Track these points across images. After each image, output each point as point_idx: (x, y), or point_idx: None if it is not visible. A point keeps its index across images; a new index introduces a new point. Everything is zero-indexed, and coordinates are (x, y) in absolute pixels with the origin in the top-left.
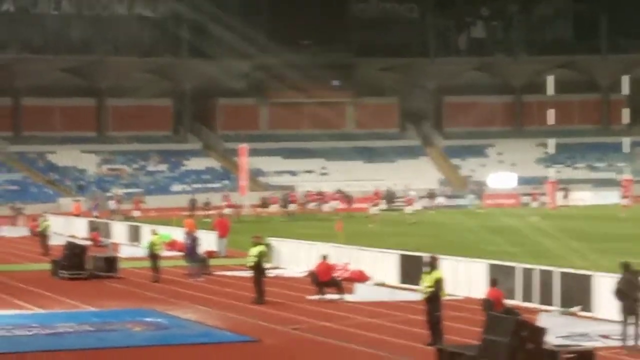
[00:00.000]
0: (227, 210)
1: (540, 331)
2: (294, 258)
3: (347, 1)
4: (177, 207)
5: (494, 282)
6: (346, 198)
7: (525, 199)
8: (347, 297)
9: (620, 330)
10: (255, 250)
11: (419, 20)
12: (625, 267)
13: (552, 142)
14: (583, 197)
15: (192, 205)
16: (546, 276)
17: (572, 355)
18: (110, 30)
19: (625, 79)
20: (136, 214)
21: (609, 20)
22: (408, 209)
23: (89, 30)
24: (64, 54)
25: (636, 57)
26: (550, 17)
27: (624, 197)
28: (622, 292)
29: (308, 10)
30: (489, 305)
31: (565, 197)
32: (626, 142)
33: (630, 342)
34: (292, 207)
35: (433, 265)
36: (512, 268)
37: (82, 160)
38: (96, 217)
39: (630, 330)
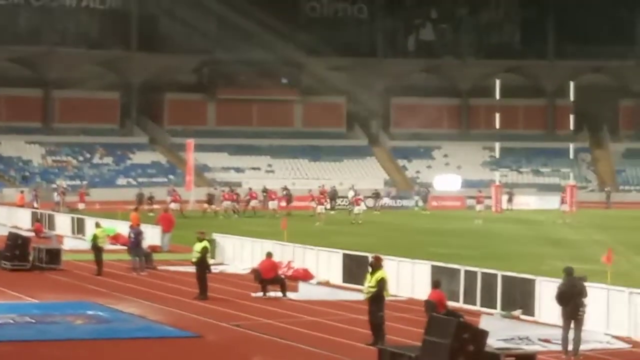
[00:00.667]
0: (173, 205)
1: (482, 334)
2: (238, 255)
3: (298, 0)
4: (122, 200)
5: (436, 284)
6: (287, 196)
7: (470, 201)
8: (291, 295)
9: (560, 334)
10: (199, 246)
11: (369, 21)
12: (568, 272)
13: (498, 146)
14: (528, 202)
15: (139, 200)
16: (489, 279)
17: (512, 359)
18: (59, 21)
19: (572, 85)
20: (81, 206)
21: (556, 25)
22: (356, 209)
23: (37, 21)
24: (11, 44)
25: (583, 63)
26: (499, 22)
27: (562, 202)
28: (564, 297)
29: (259, 7)
30: (431, 306)
31: (510, 200)
32: (571, 148)
33: (570, 347)
34: (254, 203)
35: (376, 265)
36: (456, 270)
37: (27, 151)
38: (36, 208)
39: (571, 335)
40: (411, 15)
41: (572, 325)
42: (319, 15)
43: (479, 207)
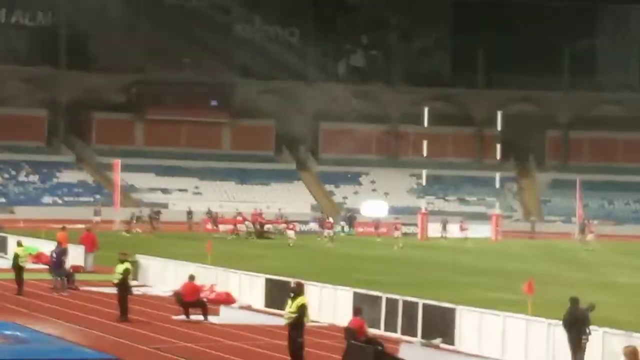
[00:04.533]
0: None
1: None
2: (161, 277)
3: (230, 21)
4: (47, 219)
5: (357, 311)
6: (212, 219)
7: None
8: (212, 319)
9: None
10: (120, 268)
11: (300, 45)
12: (574, 301)
13: (425, 173)
14: (453, 229)
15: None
16: (410, 307)
17: None
18: None
19: (499, 114)
20: None
21: (485, 55)
22: (290, 233)
23: None
24: None
25: (511, 93)
26: (430, 49)
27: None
28: (567, 324)
29: (191, 28)
30: (351, 333)
31: (444, 228)
32: (497, 177)
33: None
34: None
35: (298, 291)
36: (377, 297)
37: None
38: None
39: None
40: (342, 41)
41: (576, 353)
42: (250, 37)
43: (396, 234)
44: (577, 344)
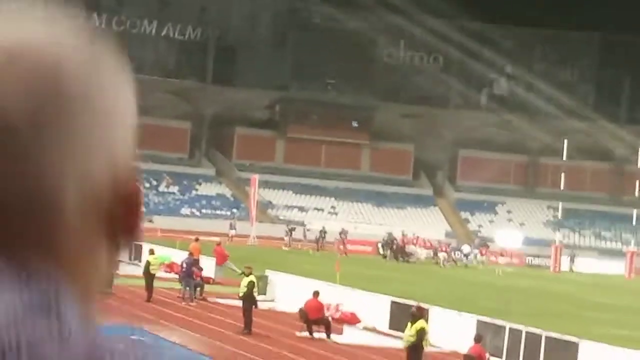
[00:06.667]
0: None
1: None
2: (288, 292)
3: (375, 45)
4: (185, 230)
5: (478, 339)
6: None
7: (530, 259)
8: (335, 338)
9: None
10: (245, 281)
11: (443, 71)
12: None
13: (561, 206)
14: (589, 265)
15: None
16: (533, 338)
17: None
18: (137, 48)
19: None
20: None
21: (630, 89)
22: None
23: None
24: None
25: None
26: (574, 82)
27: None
28: None
29: (335, 49)
30: None
31: (572, 261)
32: (635, 213)
33: None
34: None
35: (418, 315)
36: (501, 327)
37: None
38: None
39: None
40: (486, 68)
41: None
42: (394, 62)
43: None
44: None
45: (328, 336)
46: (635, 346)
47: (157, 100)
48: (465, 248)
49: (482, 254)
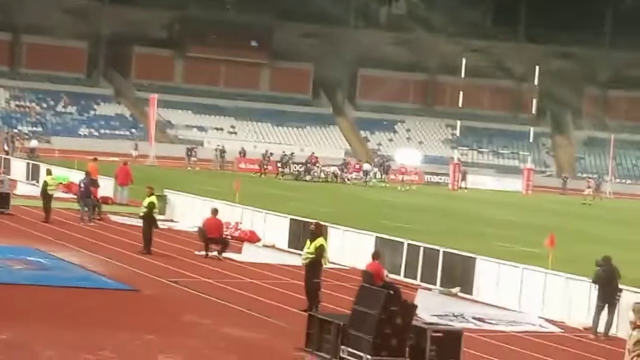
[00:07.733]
0: None
1: (411, 307)
2: (188, 212)
3: None
4: (83, 150)
5: (375, 255)
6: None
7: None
8: (234, 256)
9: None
10: (146, 201)
11: None
12: (606, 259)
13: (459, 124)
14: (484, 182)
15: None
16: (430, 254)
17: (439, 334)
18: None
19: (537, 69)
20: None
21: (528, 9)
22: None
23: None
24: None
25: (551, 48)
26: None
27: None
28: (601, 281)
29: None
30: (369, 277)
31: (463, 179)
32: (532, 132)
33: (601, 329)
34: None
35: (317, 232)
36: (399, 243)
37: None
38: (6, 152)
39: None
40: None
41: (606, 309)
42: None
43: (587, 191)
44: (610, 300)
45: (219, 253)
46: (532, 262)
47: (53, 20)
48: (366, 166)
49: (382, 173)
